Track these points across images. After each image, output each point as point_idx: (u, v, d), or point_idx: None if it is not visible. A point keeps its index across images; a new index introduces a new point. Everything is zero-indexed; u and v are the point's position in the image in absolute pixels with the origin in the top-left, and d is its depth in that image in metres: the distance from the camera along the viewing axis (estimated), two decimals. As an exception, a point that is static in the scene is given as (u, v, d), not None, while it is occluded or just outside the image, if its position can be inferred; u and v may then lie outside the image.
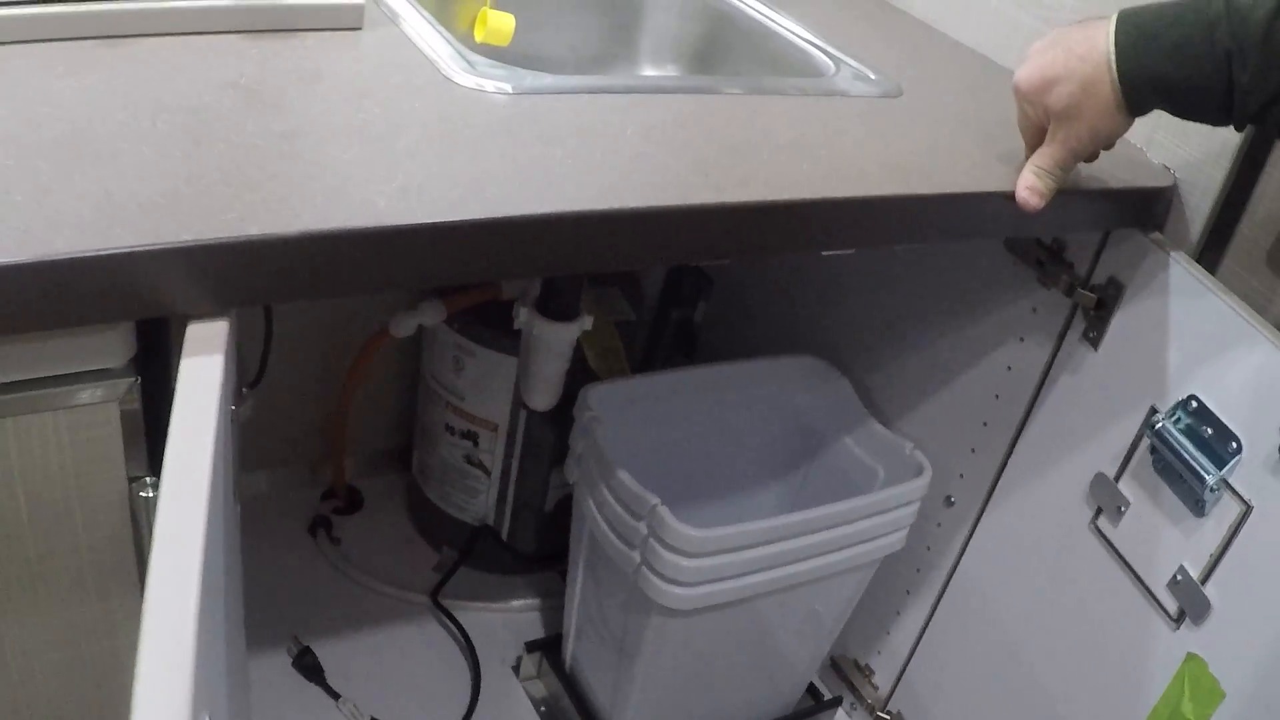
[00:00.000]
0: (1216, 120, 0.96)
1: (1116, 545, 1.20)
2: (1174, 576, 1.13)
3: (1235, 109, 0.93)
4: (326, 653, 1.55)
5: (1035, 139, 1.04)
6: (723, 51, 1.44)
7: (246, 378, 1.45)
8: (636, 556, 1.24)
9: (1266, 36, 0.89)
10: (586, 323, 1.41)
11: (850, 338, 1.55)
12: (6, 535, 0.87)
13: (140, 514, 0.86)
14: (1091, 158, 1.07)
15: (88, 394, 0.83)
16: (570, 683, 1.53)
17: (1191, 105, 0.96)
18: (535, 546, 1.72)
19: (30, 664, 0.95)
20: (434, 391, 1.59)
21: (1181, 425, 1.11)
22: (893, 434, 1.44)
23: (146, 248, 0.73)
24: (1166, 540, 1.14)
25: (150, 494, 0.85)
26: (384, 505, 1.82)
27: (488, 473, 1.61)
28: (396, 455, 1.84)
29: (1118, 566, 1.20)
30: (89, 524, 0.89)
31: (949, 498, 1.43)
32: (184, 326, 0.78)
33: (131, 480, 0.88)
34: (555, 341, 1.41)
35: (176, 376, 0.76)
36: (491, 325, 1.48)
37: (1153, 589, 1.16)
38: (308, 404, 1.72)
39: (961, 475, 1.41)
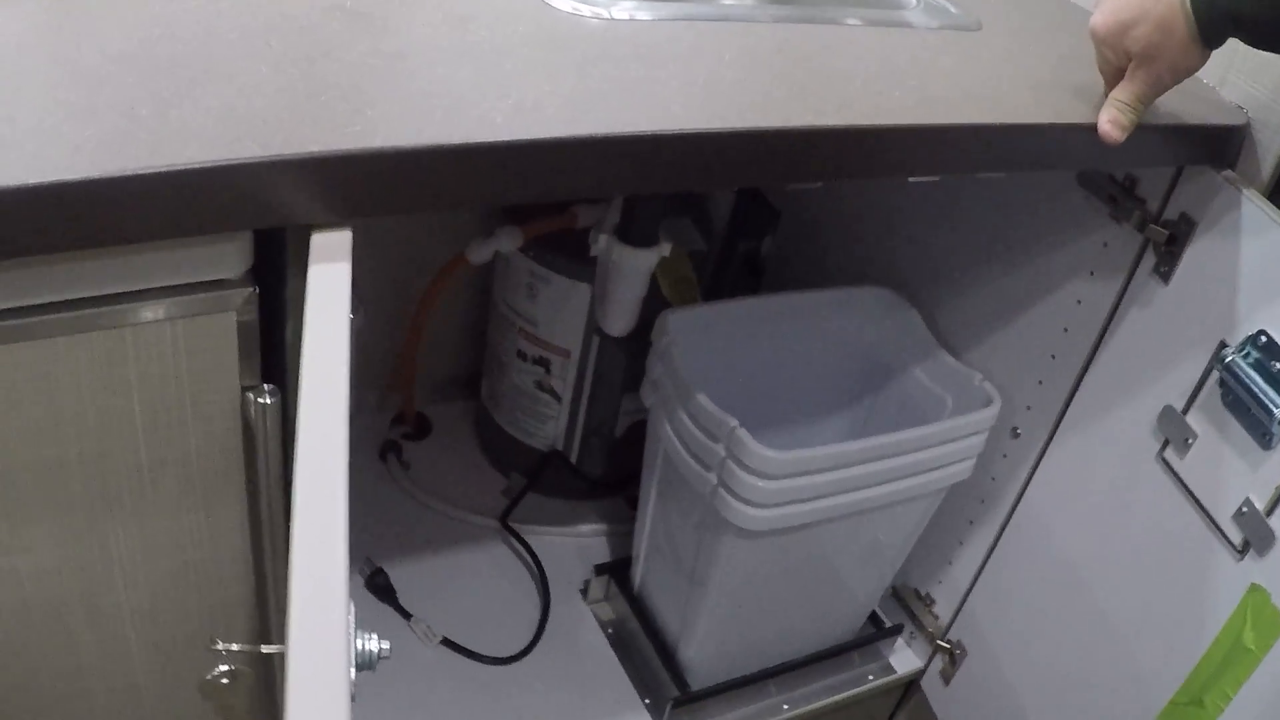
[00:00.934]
0: None
1: (1183, 477, 1.21)
2: (1239, 509, 1.14)
3: None
4: (398, 574, 1.58)
5: (1116, 80, 1.05)
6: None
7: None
8: (713, 478, 1.26)
9: None
10: (665, 249, 1.43)
11: (918, 270, 1.56)
12: (122, 444, 0.90)
13: (256, 421, 0.89)
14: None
15: (206, 303, 0.85)
16: (638, 606, 1.55)
17: (1266, 36, 0.97)
18: (604, 472, 1.75)
19: (136, 570, 0.99)
20: (506, 318, 1.61)
21: (1251, 360, 1.12)
22: (961, 365, 1.46)
23: (275, 158, 0.75)
24: (1233, 472, 1.16)
25: (267, 400, 0.88)
26: (453, 431, 1.85)
27: (558, 399, 1.64)
28: (465, 382, 1.87)
29: (1183, 498, 1.21)
30: (201, 433, 0.92)
31: (1015, 429, 1.44)
32: (303, 238, 0.81)
33: (245, 389, 0.91)
34: (634, 268, 1.43)
35: (288, 289, 0.79)
36: (566, 252, 1.50)
37: (1218, 520, 1.17)
38: (379, 330, 1.75)
39: (1029, 408, 1.42)
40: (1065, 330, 1.36)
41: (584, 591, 1.63)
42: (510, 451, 1.74)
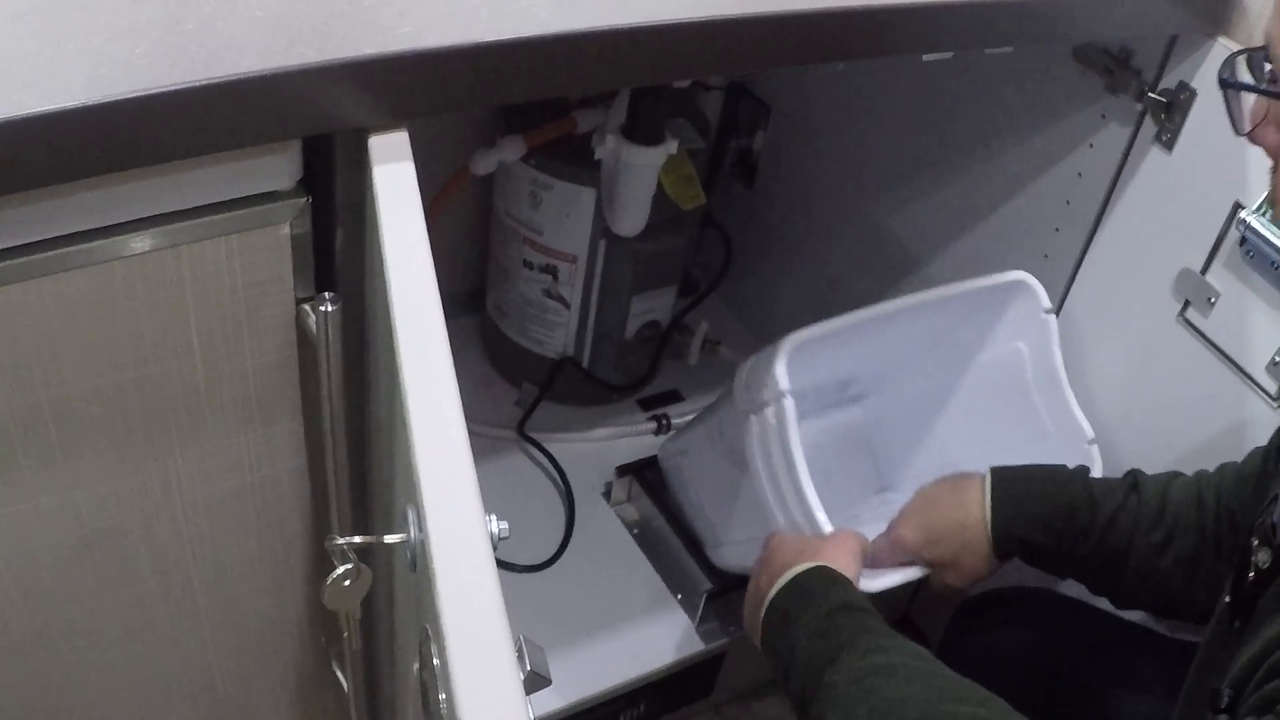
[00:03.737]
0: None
1: (1209, 335, 1.23)
2: (1273, 359, 1.16)
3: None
4: (421, 490, 1.58)
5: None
6: None
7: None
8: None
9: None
10: (672, 146, 1.43)
11: (914, 155, 1.57)
12: (179, 365, 0.89)
13: (319, 331, 0.88)
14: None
15: (259, 216, 0.85)
16: (664, 503, 1.56)
17: (1046, 565, 1.17)
18: (617, 376, 1.76)
19: (195, 492, 0.98)
20: (510, 228, 1.61)
21: (1269, 216, 1.14)
22: (1079, 413, 1.35)
23: (334, 61, 0.75)
24: (1262, 325, 1.18)
25: (328, 308, 0.87)
26: (459, 346, 1.82)
27: (567, 305, 1.64)
28: (468, 297, 1.86)
29: (1211, 355, 1.23)
30: (257, 349, 0.92)
31: (1027, 306, 1.45)
32: (355, 144, 0.81)
33: (300, 302, 0.90)
34: (644, 165, 1.43)
35: (339, 197, 0.78)
36: (568, 158, 1.50)
37: (1250, 373, 1.19)
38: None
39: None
40: (1068, 203, 1.36)
41: (606, 494, 1.64)
42: (521, 362, 1.74)
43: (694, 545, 1.52)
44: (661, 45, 0.86)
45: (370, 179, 0.77)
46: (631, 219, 1.48)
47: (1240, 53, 0.75)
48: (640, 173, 1.43)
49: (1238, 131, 0.75)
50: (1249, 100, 0.72)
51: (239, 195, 0.83)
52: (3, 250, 0.77)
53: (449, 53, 0.77)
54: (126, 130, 0.71)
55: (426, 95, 0.79)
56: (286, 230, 0.86)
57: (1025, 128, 1.40)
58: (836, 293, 1.76)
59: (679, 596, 1.52)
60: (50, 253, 0.79)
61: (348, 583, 0.79)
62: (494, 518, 0.62)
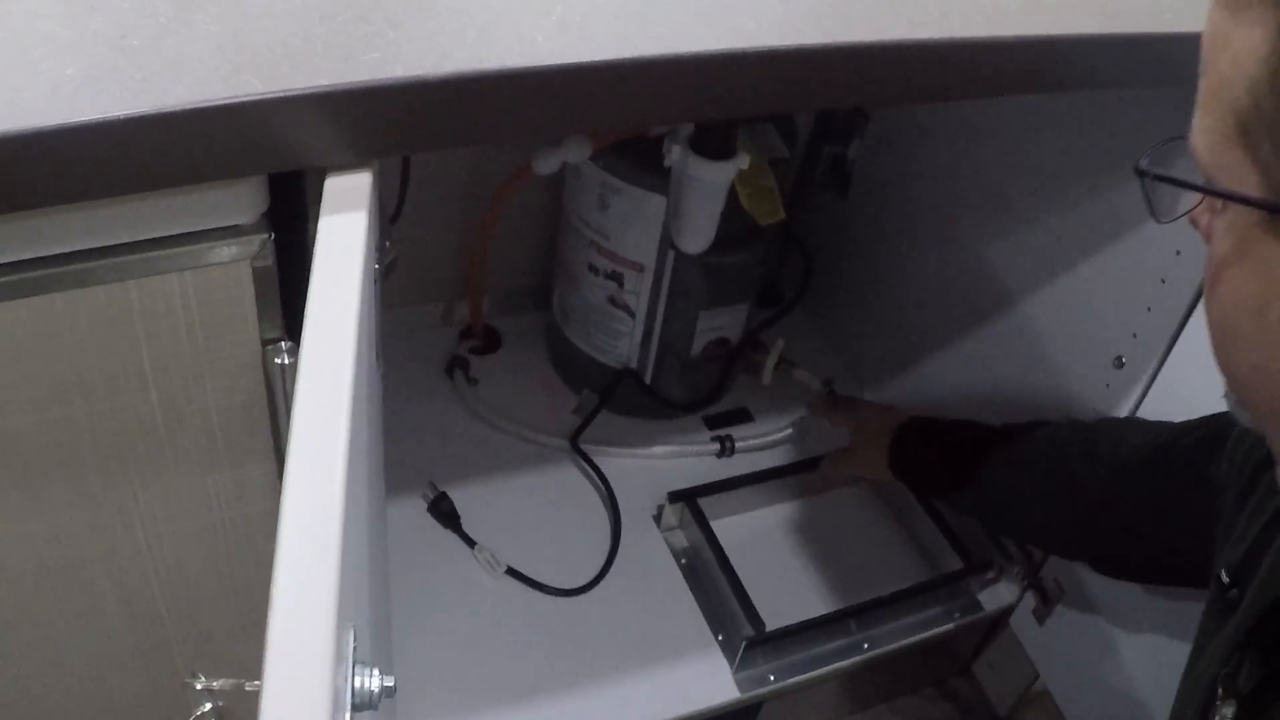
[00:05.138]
0: None
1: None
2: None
3: None
4: (463, 498, 1.51)
5: None
6: None
7: (386, 215, 1.39)
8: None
9: None
10: (742, 161, 1.32)
11: (1019, 181, 1.44)
12: (132, 401, 0.82)
13: (275, 380, 0.80)
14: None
15: (217, 252, 0.77)
16: (715, 537, 1.47)
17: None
18: (679, 392, 1.66)
19: (159, 529, 0.92)
20: (577, 230, 1.51)
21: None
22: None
23: (277, 95, 0.65)
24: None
25: (286, 360, 0.79)
26: (522, 345, 1.76)
27: (632, 315, 1.54)
28: (535, 294, 1.78)
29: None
30: (220, 389, 0.84)
31: (1119, 358, 1.32)
32: (321, 178, 0.71)
33: (266, 343, 0.82)
34: (710, 181, 1.32)
35: (314, 234, 0.69)
36: (639, 161, 1.39)
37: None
38: (445, 241, 1.65)
39: (1135, 335, 1.30)
40: (1178, 253, 1.23)
41: (657, 518, 1.55)
42: (582, 368, 1.65)
43: (741, 586, 1.42)
44: (678, 82, 0.75)
45: (313, 227, 0.67)
46: (696, 236, 1.38)
47: (1167, 141, 0.67)
48: (707, 188, 1.32)
49: (1160, 221, 0.70)
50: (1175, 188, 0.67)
51: (194, 229, 0.75)
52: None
53: (415, 86, 0.67)
54: (47, 163, 0.63)
55: (390, 134, 0.70)
56: (247, 267, 0.78)
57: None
58: (922, 320, 1.63)
59: (720, 637, 1.43)
60: (-22, 280, 0.72)
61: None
62: (376, 671, 0.52)
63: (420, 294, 1.72)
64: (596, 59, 0.72)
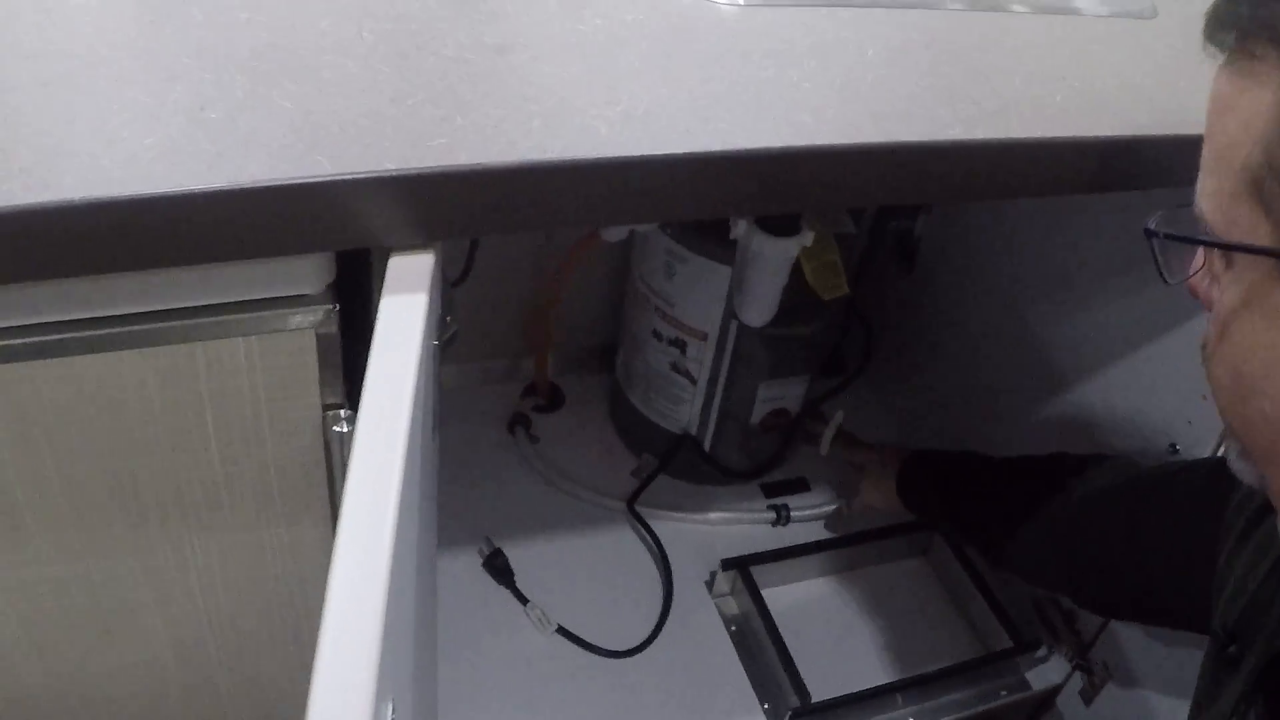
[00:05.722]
0: None
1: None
2: None
3: None
4: (517, 555, 1.52)
5: None
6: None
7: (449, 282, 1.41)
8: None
9: None
10: (807, 238, 1.33)
11: (1081, 263, 1.43)
12: (194, 459, 0.85)
13: (334, 444, 0.82)
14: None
15: (283, 319, 0.79)
16: (765, 606, 1.48)
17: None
18: (737, 459, 1.67)
19: (213, 578, 0.95)
20: (643, 295, 1.53)
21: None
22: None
23: (345, 177, 0.67)
24: None
25: (345, 428, 0.81)
26: (585, 405, 1.78)
27: (694, 381, 1.55)
28: (602, 353, 1.79)
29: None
30: (280, 450, 0.86)
31: (1173, 445, 1.31)
32: (387, 254, 0.74)
33: (326, 409, 0.84)
34: (774, 257, 1.33)
35: (377, 308, 0.71)
36: (706, 231, 1.41)
37: None
38: (513, 297, 1.68)
39: (1189, 421, 1.29)
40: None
41: (709, 584, 1.55)
42: (643, 431, 1.67)
43: (789, 655, 1.42)
44: (736, 177, 0.77)
45: (377, 300, 0.69)
46: (759, 309, 1.39)
47: (1175, 207, 0.70)
48: (770, 263, 1.34)
49: (1167, 281, 0.72)
50: (1182, 252, 0.71)
51: (261, 296, 0.77)
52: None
53: (481, 173, 0.70)
54: (120, 231, 0.66)
55: (453, 218, 0.72)
56: (311, 336, 0.80)
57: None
58: (980, 395, 1.63)
59: (765, 706, 1.43)
60: (53, 336, 0.75)
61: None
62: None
63: (487, 349, 1.74)
64: (657, 152, 0.74)
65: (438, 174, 0.69)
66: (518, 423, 1.70)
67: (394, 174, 0.68)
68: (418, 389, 0.65)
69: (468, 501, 1.58)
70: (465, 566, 1.51)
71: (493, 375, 1.77)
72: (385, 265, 0.74)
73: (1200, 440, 1.26)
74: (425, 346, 0.69)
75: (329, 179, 0.67)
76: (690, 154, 0.74)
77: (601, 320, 1.78)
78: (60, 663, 0.96)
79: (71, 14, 0.80)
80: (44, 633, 0.93)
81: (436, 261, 0.73)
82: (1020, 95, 0.89)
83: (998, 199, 0.90)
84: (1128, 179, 0.92)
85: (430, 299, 0.71)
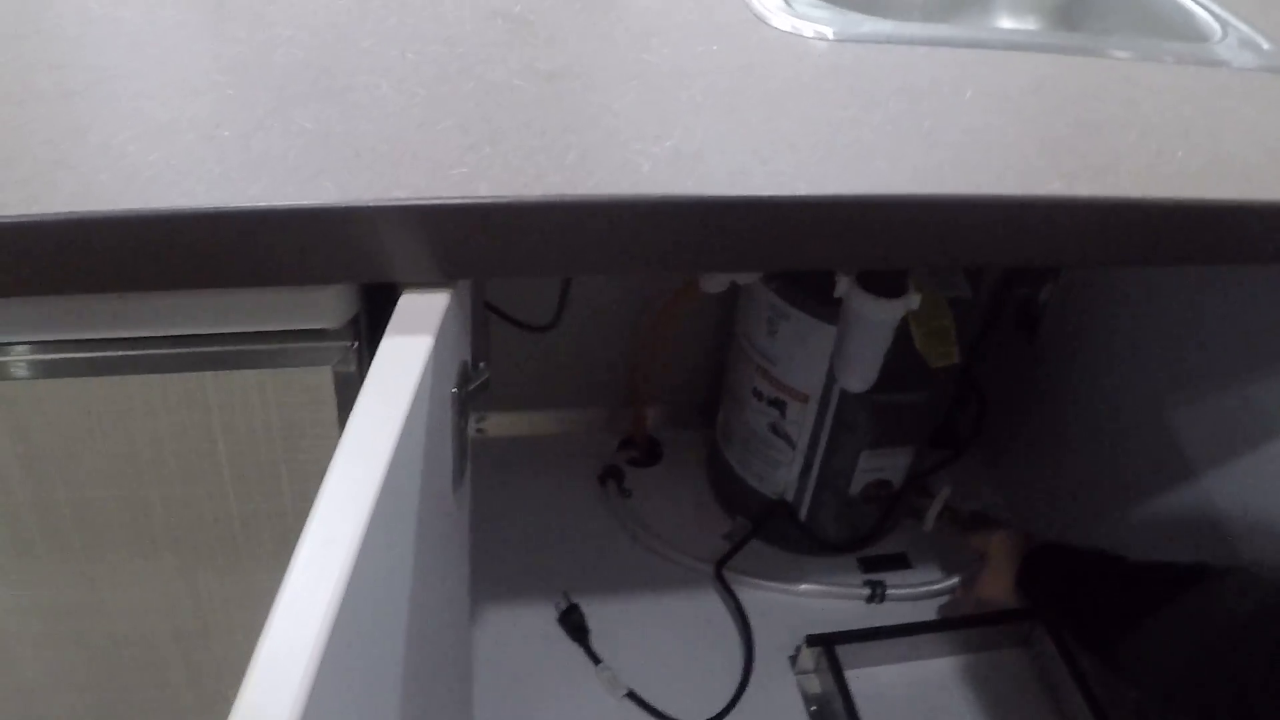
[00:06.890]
0: None
1: None
2: None
3: None
4: (595, 612, 1.46)
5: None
6: (1092, 4, 1.23)
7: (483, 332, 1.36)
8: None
9: None
10: (913, 301, 1.24)
11: (1208, 344, 1.32)
12: (207, 492, 0.80)
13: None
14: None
15: (298, 354, 0.74)
16: (845, 686, 1.38)
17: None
18: (834, 530, 1.58)
19: (230, 619, 0.90)
20: (744, 351, 1.46)
21: None
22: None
23: (348, 205, 0.62)
24: None
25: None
26: (682, 461, 1.71)
27: (792, 445, 1.48)
28: (702, 409, 1.73)
29: None
30: (297, 489, 0.81)
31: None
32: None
33: (348, 446, 0.79)
34: (876, 320, 1.25)
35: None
36: (811, 288, 1.33)
37: None
38: (612, 346, 1.62)
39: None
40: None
41: (793, 659, 1.47)
42: (738, 493, 1.59)
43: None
44: (787, 227, 0.70)
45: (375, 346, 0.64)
46: (859, 374, 1.31)
47: None
48: (871, 326, 1.25)
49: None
50: None
51: (273, 328, 0.72)
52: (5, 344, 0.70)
53: (497, 206, 0.63)
54: (87, 250, 0.61)
55: (469, 255, 0.65)
56: (330, 372, 0.74)
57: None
58: (1098, 478, 1.52)
59: (840, 796, 1.34)
60: (60, 355, 0.71)
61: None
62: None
63: (584, 397, 1.68)
64: (699, 193, 0.67)
65: (446, 206, 0.63)
66: (610, 475, 1.64)
67: (400, 203, 0.62)
68: (403, 437, 0.59)
69: (548, 553, 1.53)
70: (540, 619, 1.46)
71: (589, 425, 1.71)
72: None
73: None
74: (423, 391, 0.63)
75: (330, 206, 0.61)
76: (732, 197, 0.67)
77: (707, 375, 1.71)
78: (77, 693, 0.92)
79: (113, 26, 0.77)
80: (60, 658, 0.90)
81: (454, 301, 0.67)
82: (1132, 152, 0.79)
83: (1106, 265, 0.80)
84: (1246, 250, 0.82)
85: (437, 342, 0.64)
